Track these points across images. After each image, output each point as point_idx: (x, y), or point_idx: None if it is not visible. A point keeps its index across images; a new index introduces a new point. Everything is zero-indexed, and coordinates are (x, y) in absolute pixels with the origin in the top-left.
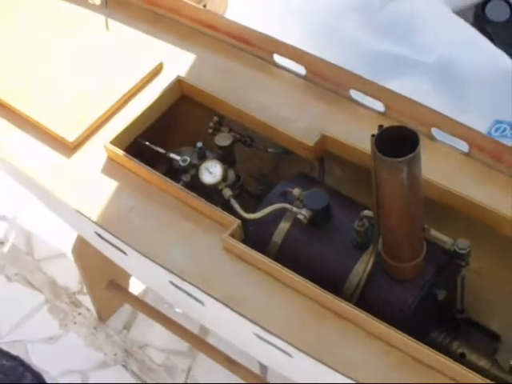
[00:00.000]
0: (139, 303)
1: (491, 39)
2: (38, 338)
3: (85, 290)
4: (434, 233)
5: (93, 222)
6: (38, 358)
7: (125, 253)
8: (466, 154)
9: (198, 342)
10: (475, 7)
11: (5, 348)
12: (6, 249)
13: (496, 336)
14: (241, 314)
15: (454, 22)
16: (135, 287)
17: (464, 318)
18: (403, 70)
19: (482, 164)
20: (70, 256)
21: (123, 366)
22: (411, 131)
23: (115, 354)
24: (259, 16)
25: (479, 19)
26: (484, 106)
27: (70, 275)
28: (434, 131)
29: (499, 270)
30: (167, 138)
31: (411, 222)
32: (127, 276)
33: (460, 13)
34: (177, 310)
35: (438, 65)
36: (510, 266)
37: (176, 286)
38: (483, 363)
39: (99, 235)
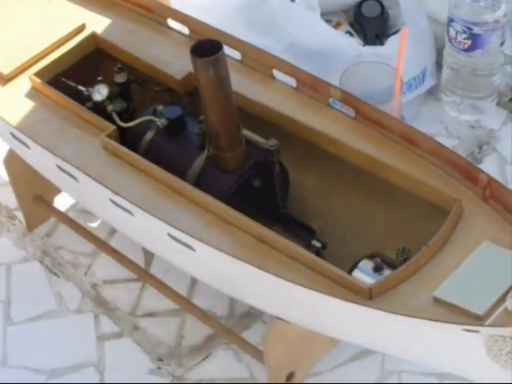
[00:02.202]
0: (61, 215)
1: (364, 30)
2: None
3: (19, 208)
4: (249, 134)
5: (8, 123)
6: None
7: (27, 146)
8: (295, 88)
9: (101, 243)
10: (355, 6)
11: None
12: None
13: (312, 230)
14: (105, 185)
15: (307, 17)
16: (60, 203)
17: (285, 212)
18: None
19: (305, 95)
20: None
21: (40, 261)
22: (218, 43)
23: (34, 253)
24: None
25: (357, 15)
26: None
27: (10, 198)
28: (275, 72)
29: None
30: (84, 82)
31: (224, 113)
32: (53, 193)
33: (344, 12)
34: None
35: (289, 49)
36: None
37: (60, 169)
38: None
39: (13, 135)
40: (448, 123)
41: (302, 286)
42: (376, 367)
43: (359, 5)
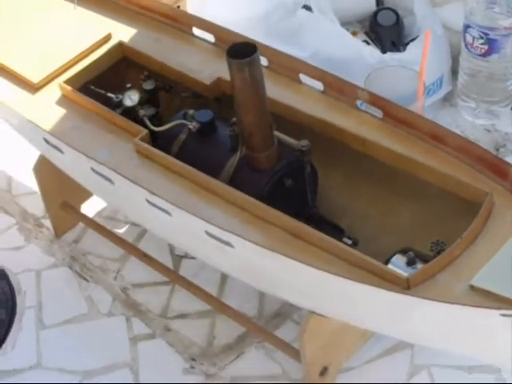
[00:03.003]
0: (89, 221)
1: (380, 39)
2: (5, 247)
3: (47, 215)
4: (280, 135)
5: (41, 128)
6: (4, 261)
7: (62, 152)
8: (322, 92)
9: (130, 247)
10: (370, 16)
11: None
12: None
13: (341, 229)
14: (139, 184)
15: (329, 27)
16: (87, 210)
17: (314, 212)
18: None
19: (332, 98)
20: (39, 193)
21: (69, 267)
22: (253, 45)
23: (63, 259)
24: None
25: (373, 24)
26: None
27: (37, 206)
28: (301, 76)
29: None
30: (111, 89)
31: (258, 114)
32: (81, 200)
33: (359, 22)
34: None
35: (312, 59)
36: (358, 177)
37: (95, 172)
38: None
39: (46, 141)
40: (464, 127)
41: (341, 276)
42: (406, 362)
43: (375, 14)
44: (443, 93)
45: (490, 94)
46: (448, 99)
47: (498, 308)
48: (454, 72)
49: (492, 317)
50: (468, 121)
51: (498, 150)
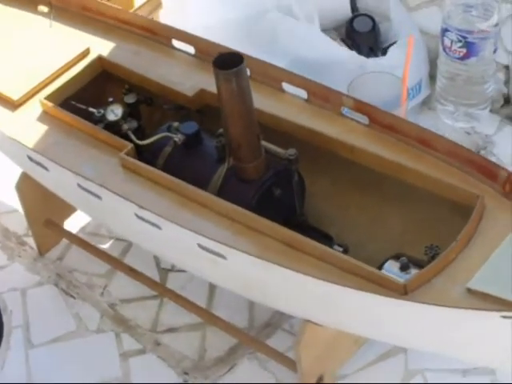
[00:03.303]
0: (74, 238)
1: (358, 45)
2: None
3: (30, 233)
4: (267, 144)
5: (25, 146)
6: None
7: (47, 169)
8: (306, 100)
9: (116, 262)
10: (346, 22)
11: None
12: None
13: (330, 237)
14: (127, 199)
15: (307, 30)
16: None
17: (303, 220)
18: None
19: (316, 106)
20: (21, 210)
21: (55, 285)
22: (239, 55)
23: (49, 277)
24: None
25: (349, 31)
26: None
27: (19, 224)
28: (284, 85)
29: (336, 188)
30: (92, 104)
31: (246, 125)
32: (64, 217)
33: (336, 28)
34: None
35: (292, 63)
36: (346, 184)
37: (82, 188)
38: None
39: (30, 158)
40: (444, 131)
41: (337, 284)
42: (400, 367)
43: (351, 21)
44: (422, 97)
45: (469, 97)
46: (426, 103)
47: (499, 310)
48: (432, 76)
49: (492, 319)
50: (447, 124)
51: (479, 152)
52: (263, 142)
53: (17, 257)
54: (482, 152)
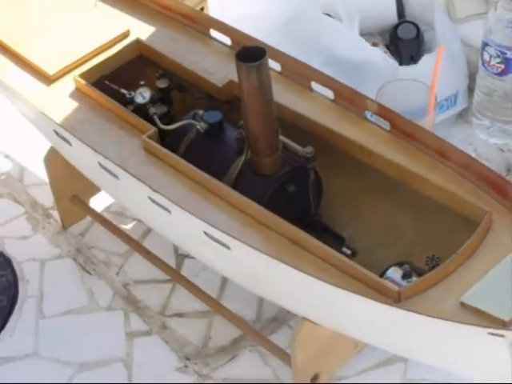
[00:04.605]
0: (97, 215)
1: (399, 52)
2: (13, 236)
3: (56, 206)
4: (286, 140)
5: (52, 120)
6: (10, 249)
7: (69, 143)
8: (332, 100)
9: (135, 244)
10: (391, 29)
11: None
12: (2, 177)
13: (341, 238)
14: (142, 181)
15: (345, 31)
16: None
17: (316, 220)
18: None
19: (342, 107)
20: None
21: (73, 259)
22: (262, 49)
23: (69, 251)
24: None
25: (393, 37)
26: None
27: (47, 197)
28: (313, 84)
29: (352, 190)
30: (126, 86)
31: (265, 118)
32: (89, 194)
33: (380, 34)
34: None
35: (326, 62)
36: (361, 187)
37: (102, 167)
38: None
39: (56, 132)
40: (477, 145)
41: (333, 285)
42: (398, 376)
43: (395, 27)
44: (458, 109)
45: (505, 113)
46: (463, 116)
47: (486, 326)
48: (471, 89)
49: (480, 335)
50: (481, 139)
51: (509, 170)
52: (282, 137)
53: (41, 228)
54: None
